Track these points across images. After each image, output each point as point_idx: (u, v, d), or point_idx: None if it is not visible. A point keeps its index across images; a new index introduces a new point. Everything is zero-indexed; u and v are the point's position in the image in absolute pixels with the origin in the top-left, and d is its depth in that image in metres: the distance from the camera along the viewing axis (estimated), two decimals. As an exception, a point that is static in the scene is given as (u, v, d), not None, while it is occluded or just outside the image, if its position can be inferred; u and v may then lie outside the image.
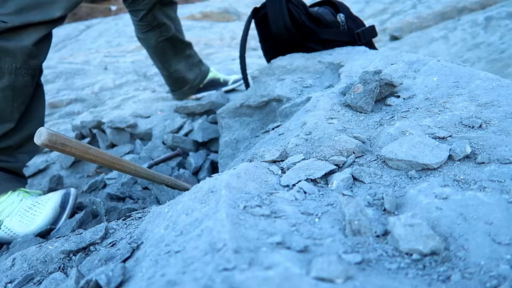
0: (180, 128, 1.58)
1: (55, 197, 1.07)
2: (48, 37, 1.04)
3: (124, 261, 0.55)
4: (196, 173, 1.35)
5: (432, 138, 0.63)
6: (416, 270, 0.40)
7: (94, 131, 1.66)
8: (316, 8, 1.32)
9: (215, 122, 1.56)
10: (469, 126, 0.65)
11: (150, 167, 1.30)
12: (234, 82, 1.99)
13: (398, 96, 0.83)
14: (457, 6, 3.85)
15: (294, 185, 0.61)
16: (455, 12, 3.80)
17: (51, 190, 1.30)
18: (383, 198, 0.53)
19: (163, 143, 1.51)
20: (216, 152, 1.43)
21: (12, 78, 0.97)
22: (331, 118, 0.80)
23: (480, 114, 0.67)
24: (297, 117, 0.88)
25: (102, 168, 1.46)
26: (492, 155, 0.57)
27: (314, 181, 0.62)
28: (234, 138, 1.20)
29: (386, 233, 0.46)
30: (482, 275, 0.40)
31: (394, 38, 3.67)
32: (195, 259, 0.40)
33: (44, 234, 0.99)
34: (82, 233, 0.70)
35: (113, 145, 1.60)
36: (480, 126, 0.64)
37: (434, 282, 0.39)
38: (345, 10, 1.31)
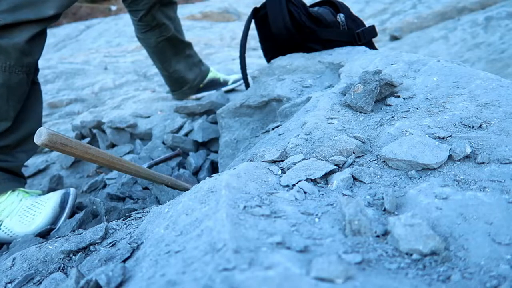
0: (180, 128, 1.58)
1: (54, 197, 1.07)
2: (41, 35, 1.03)
3: (124, 261, 0.55)
4: (196, 173, 1.35)
5: (432, 138, 0.63)
6: (416, 270, 0.40)
7: (94, 131, 1.66)
8: (316, 8, 1.32)
9: (215, 122, 1.56)
10: (469, 126, 0.65)
11: (150, 167, 1.30)
12: (234, 82, 1.99)
13: (398, 96, 0.83)
14: (457, 6, 3.85)
15: (294, 185, 0.61)
16: (455, 12, 3.80)
17: (51, 190, 1.30)
18: (383, 198, 0.53)
19: (163, 143, 1.51)
20: (216, 152, 1.43)
21: (6, 76, 0.97)
22: (331, 118, 0.80)
23: (480, 114, 0.67)
24: (297, 117, 0.88)
25: (102, 168, 1.46)
26: (492, 155, 0.57)
27: (314, 181, 0.62)
28: (234, 138, 1.20)
29: (386, 233, 0.46)
30: (482, 275, 0.40)
31: (394, 38, 3.67)
32: (195, 259, 0.40)
33: (44, 234, 0.99)
34: (82, 233, 0.70)
35: (113, 145, 1.60)
36: (480, 126, 0.64)
37: (434, 282, 0.39)
38: (345, 10, 1.31)
